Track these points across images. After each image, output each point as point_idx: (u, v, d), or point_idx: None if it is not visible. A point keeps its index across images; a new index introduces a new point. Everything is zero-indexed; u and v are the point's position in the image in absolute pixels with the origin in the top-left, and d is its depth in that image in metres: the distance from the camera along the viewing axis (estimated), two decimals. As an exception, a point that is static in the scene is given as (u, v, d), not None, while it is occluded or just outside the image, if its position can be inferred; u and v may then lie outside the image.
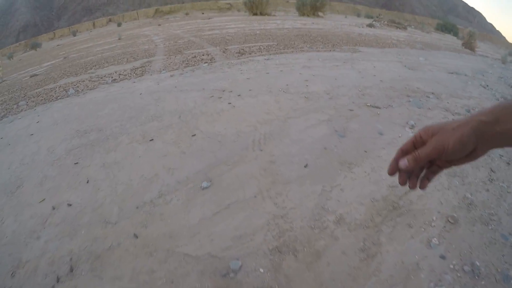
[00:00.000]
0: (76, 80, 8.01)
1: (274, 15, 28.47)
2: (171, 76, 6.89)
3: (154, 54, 10.08)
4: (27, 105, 7.04)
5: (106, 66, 9.16)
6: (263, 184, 3.03)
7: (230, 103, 4.91)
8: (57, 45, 32.90)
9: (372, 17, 41.99)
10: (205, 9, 57.27)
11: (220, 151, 3.59)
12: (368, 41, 12.42)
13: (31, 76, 11.69)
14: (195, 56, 8.80)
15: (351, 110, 4.65)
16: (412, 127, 4.24)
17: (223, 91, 5.48)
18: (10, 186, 3.53)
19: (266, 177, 3.12)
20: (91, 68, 9.33)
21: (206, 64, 7.76)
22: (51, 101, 6.74)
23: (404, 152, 0.79)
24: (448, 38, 29.48)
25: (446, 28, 41.82)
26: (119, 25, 45.79)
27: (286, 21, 21.40)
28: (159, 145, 3.84)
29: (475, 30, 22.55)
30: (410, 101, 5.16)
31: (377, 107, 4.78)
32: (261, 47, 9.80)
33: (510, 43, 61.11)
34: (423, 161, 0.74)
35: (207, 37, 13.38)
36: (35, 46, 39.24)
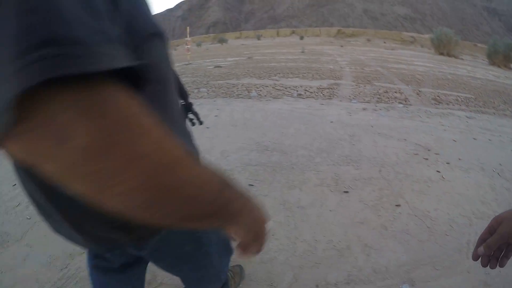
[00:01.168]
0: (259, 83, 7.74)
1: (462, 59, 25.48)
2: (364, 109, 6.05)
3: (341, 77, 9.36)
4: (208, 93, 6.94)
5: (291, 77, 8.79)
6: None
7: (439, 171, 3.79)
8: (242, 44, 35.27)
9: None
10: (387, 39, 55.31)
11: (428, 242, 2.57)
12: None
13: (215, 67, 12.10)
14: (386, 91, 7.78)
15: None
16: None
17: (429, 150, 4.38)
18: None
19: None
20: (275, 75, 9.08)
21: (401, 105, 6.69)
22: (232, 97, 6.51)
23: (482, 240, 0.90)
24: None
25: None
26: (301, 38, 47.26)
27: (476, 68, 18.84)
28: (355, 204, 2.97)
29: None
30: None
31: None
32: (458, 98, 8.27)
33: None
34: (494, 247, 0.84)
35: (395, 70, 12.19)
36: (222, 41, 43.00)
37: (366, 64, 13.75)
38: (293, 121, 4.90)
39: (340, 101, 6.53)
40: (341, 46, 28.86)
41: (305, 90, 7.14)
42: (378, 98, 7.06)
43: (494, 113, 7.36)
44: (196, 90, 7.41)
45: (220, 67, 12.05)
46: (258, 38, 50.15)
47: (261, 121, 4.89)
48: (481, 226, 2.83)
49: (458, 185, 3.56)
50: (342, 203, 2.94)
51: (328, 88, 7.35)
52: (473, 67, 19.03)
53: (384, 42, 48.48)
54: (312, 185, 3.19)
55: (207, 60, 16.25)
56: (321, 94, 6.81)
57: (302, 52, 18.70)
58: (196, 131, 3.36)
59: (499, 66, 24.34)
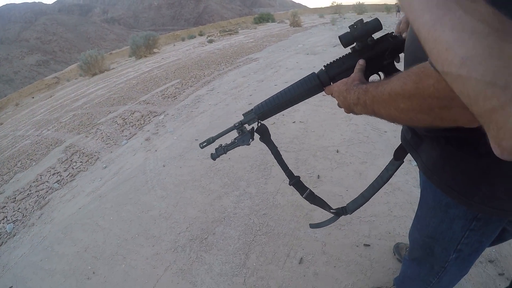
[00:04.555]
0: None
1: (114, 68, 26.11)
2: (147, 139, 5.47)
3: (63, 140, 7.62)
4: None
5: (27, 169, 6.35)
6: None
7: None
8: None
9: (194, 37, 44.05)
10: (33, 93, 51.42)
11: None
12: (242, 50, 13.43)
13: None
14: (124, 118, 7.16)
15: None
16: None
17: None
18: None
19: None
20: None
21: (161, 116, 6.53)
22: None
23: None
24: (273, 26, 31.97)
25: (264, 19, 48.12)
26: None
27: (137, 66, 20.02)
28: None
29: (296, 10, 27.10)
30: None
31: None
32: (171, 86, 8.88)
33: (312, 9, 71.64)
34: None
35: (86, 106, 11.06)
36: None
37: (63, 116, 11.79)
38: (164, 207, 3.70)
39: (111, 151, 5.42)
40: (1, 124, 24.25)
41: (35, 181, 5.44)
42: (134, 125, 6.45)
43: (214, 78, 7.96)
44: None
45: None
46: None
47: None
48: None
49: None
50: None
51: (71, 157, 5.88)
52: (133, 67, 19.75)
53: (33, 98, 44.99)
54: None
55: None
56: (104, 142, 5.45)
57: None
58: None
59: (146, 56, 26.31)
